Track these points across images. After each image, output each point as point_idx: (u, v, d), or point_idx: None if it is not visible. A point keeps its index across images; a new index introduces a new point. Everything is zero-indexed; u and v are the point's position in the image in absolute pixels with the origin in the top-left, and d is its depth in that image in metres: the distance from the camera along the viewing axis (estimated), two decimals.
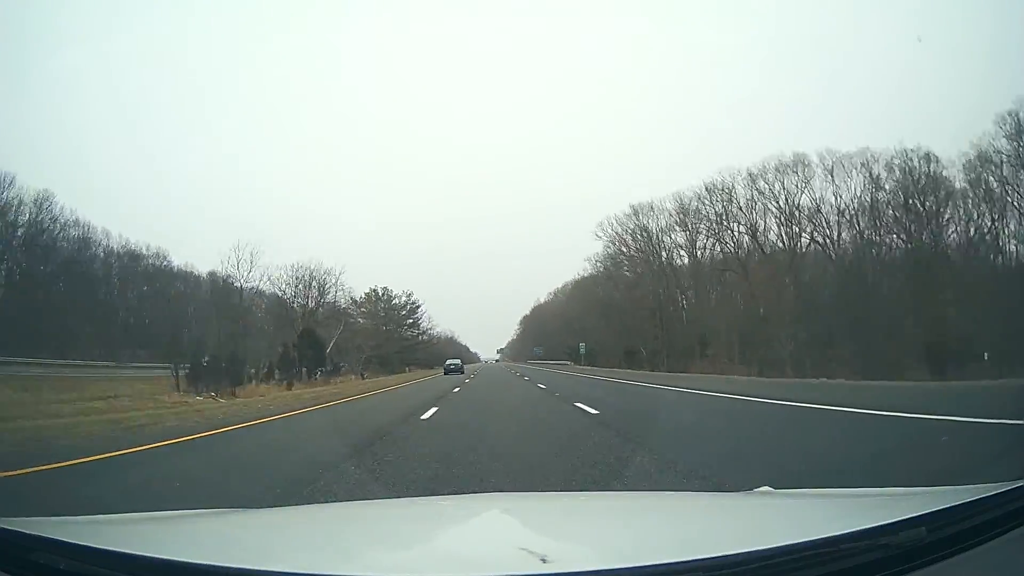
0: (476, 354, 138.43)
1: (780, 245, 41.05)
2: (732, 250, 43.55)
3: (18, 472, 5.87)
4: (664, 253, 49.61)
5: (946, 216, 33.53)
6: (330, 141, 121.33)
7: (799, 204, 39.29)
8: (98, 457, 7.07)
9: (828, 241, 38.70)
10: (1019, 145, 30.31)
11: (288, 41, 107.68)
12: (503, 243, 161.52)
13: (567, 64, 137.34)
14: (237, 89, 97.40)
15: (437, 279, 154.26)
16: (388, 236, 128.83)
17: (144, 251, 43.58)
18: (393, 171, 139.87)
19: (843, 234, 37.76)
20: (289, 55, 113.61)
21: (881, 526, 1.20)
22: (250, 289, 41.14)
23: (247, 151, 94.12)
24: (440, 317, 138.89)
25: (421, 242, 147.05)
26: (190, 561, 1.19)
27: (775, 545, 1.14)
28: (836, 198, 37.66)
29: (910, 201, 34.13)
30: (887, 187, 35.49)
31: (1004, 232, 32.42)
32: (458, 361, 55.77)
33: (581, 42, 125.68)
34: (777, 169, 40.05)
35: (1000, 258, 32.64)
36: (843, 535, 1.18)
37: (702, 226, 45.52)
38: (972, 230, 33.02)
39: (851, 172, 36.92)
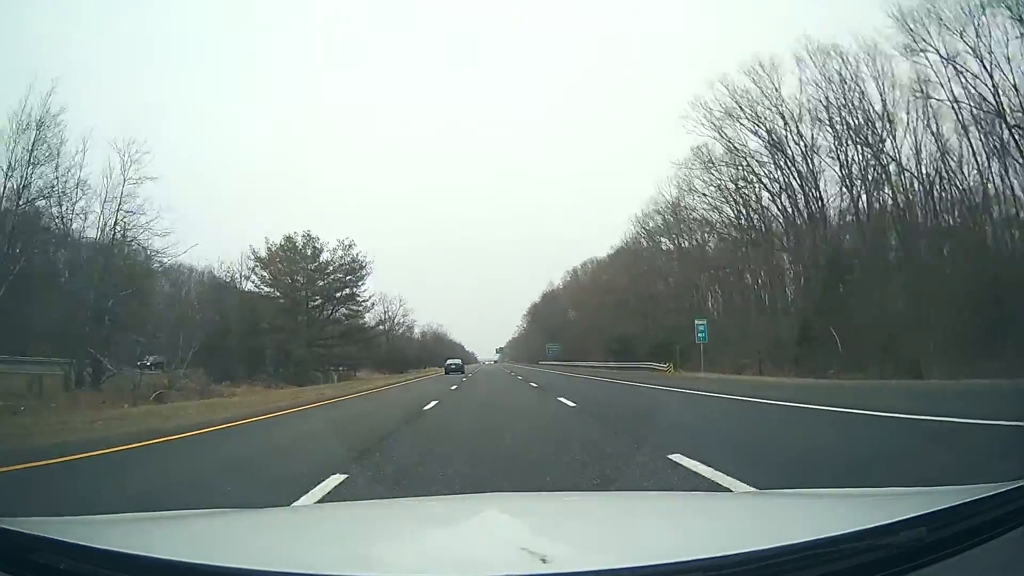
0: (473, 354, 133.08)
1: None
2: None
3: None
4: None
5: None
6: (323, 134, 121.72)
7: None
8: None
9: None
10: None
11: (286, 44, 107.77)
12: (502, 240, 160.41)
13: (568, 62, 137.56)
14: (233, 88, 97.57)
15: (432, 276, 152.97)
16: (381, 230, 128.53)
17: None
18: (391, 169, 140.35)
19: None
20: (287, 58, 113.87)
21: (881, 526, 1.20)
22: None
23: (246, 154, 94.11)
24: (428, 313, 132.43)
25: (415, 238, 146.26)
26: (190, 561, 1.19)
27: (775, 545, 1.14)
28: None
29: None
30: None
31: None
32: (459, 361, 60.01)
33: (582, 39, 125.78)
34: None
35: None
36: (843, 535, 1.18)
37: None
38: None
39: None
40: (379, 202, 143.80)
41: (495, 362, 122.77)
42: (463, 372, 49.91)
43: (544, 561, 1.13)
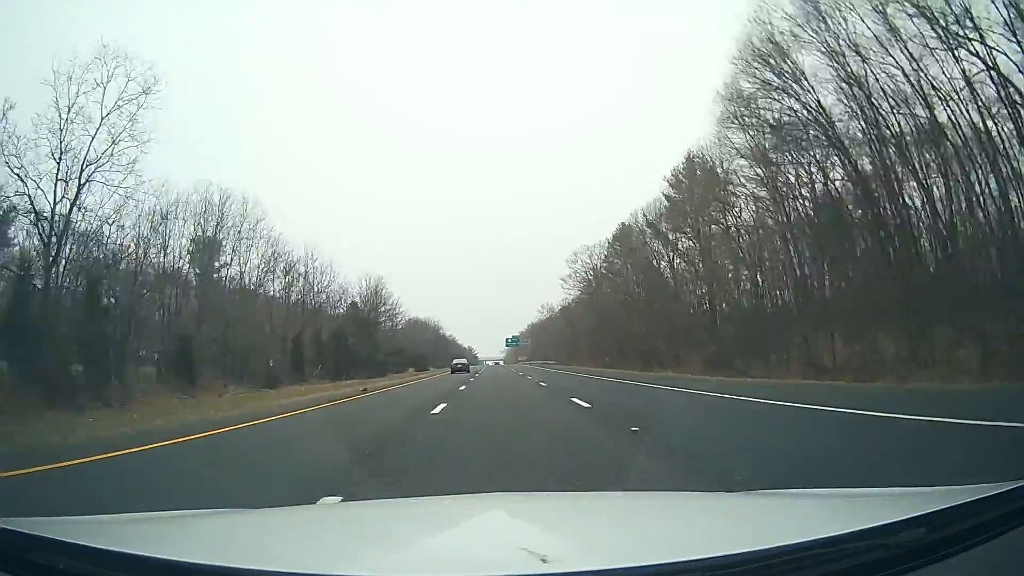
0: (471, 350, 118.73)
1: None
2: None
3: None
4: None
5: None
6: (334, 142, 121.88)
7: None
8: None
9: None
10: None
11: (290, 46, 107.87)
12: (504, 230, 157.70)
13: (577, 56, 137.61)
14: (240, 92, 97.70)
15: (426, 265, 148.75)
16: (373, 216, 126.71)
17: None
18: (396, 163, 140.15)
19: None
20: (294, 60, 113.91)
21: (881, 526, 1.20)
22: None
23: (252, 159, 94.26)
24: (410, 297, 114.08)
25: (409, 224, 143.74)
26: (190, 561, 1.19)
27: (775, 545, 1.14)
28: None
29: None
30: None
31: None
32: (464, 361, 65.32)
33: (586, 40, 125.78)
34: None
35: None
36: (843, 535, 1.18)
37: None
38: None
39: None
40: (381, 205, 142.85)
41: (500, 363, 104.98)
42: (468, 372, 54.35)
43: (544, 561, 1.13)
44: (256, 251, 36.90)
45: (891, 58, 21.43)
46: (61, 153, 19.99)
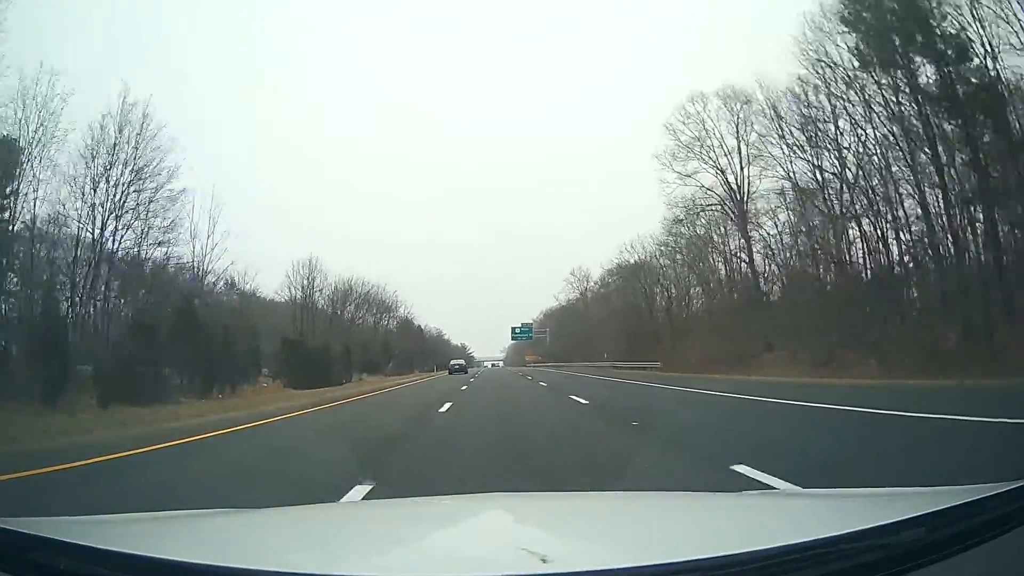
0: (464, 348, 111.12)
1: None
2: None
3: None
4: None
5: None
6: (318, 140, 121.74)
7: None
8: None
9: None
10: None
11: (292, 45, 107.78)
12: (503, 226, 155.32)
13: (585, 68, 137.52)
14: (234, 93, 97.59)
15: (418, 263, 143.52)
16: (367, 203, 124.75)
17: None
18: (390, 159, 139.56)
19: None
20: (292, 58, 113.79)
21: (881, 526, 1.20)
22: None
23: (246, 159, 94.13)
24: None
25: (399, 222, 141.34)
26: (190, 561, 1.19)
27: (775, 545, 1.14)
28: None
29: None
30: None
31: None
32: (462, 361, 65.04)
33: (590, 33, 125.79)
34: None
35: None
36: (843, 535, 1.18)
37: None
38: None
39: None
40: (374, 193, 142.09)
41: (498, 363, 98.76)
42: (466, 372, 55.34)
43: (544, 561, 1.13)
44: None
45: None
46: None
